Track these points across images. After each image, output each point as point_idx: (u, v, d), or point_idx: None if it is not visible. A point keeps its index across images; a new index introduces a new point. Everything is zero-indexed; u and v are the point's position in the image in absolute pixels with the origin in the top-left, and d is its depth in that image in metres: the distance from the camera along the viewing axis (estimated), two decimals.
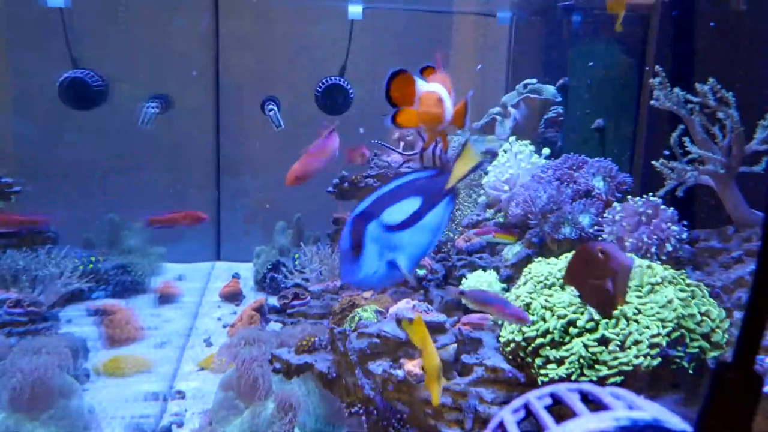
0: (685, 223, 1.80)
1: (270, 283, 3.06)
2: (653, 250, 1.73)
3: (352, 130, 3.44)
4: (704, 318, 1.40)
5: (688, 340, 1.37)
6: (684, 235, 1.77)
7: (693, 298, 1.43)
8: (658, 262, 1.65)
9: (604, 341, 1.37)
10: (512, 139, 2.44)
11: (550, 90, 2.80)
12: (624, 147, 2.47)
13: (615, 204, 1.91)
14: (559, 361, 1.37)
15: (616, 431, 0.47)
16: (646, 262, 1.55)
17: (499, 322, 1.61)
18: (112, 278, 2.94)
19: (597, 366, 1.34)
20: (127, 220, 3.38)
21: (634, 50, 2.45)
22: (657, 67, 1.82)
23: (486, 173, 2.45)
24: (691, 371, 1.36)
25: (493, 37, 3.59)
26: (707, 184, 1.83)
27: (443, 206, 1.08)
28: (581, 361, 1.35)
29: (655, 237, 1.74)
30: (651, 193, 1.86)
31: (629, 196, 1.89)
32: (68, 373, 1.95)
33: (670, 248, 1.73)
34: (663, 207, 1.80)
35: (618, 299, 1.19)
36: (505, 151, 2.38)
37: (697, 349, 1.37)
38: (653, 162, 1.86)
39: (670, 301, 1.39)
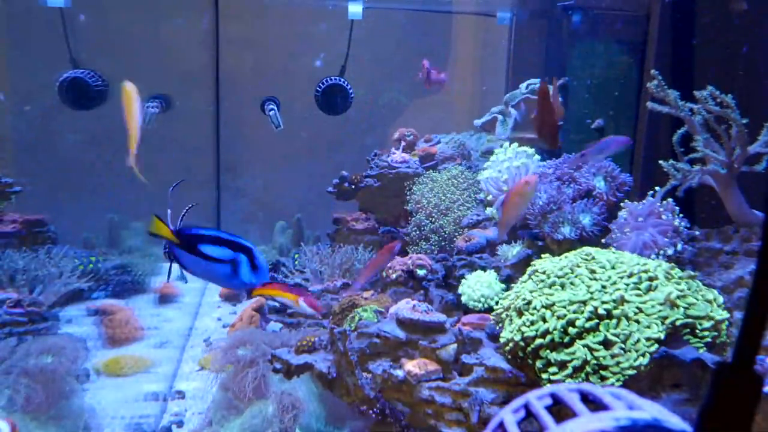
0: (688, 225, 1.81)
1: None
2: (663, 249, 1.74)
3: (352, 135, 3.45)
4: (703, 301, 1.43)
5: (698, 327, 1.39)
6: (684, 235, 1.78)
7: (689, 289, 1.45)
8: (664, 260, 1.66)
9: (605, 343, 1.37)
10: (511, 145, 2.43)
11: None
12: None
13: (627, 203, 1.92)
14: (561, 365, 1.37)
15: (616, 431, 0.47)
16: (642, 260, 1.55)
17: (498, 327, 1.61)
18: (112, 278, 2.94)
19: (602, 372, 1.34)
20: (127, 220, 3.38)
21: (634, 50, 2.45)
22: (653, 71, 1.82)
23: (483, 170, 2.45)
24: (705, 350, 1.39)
25: (493, 37, 3.59)
26: (708, 183, 1.84)
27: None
28: (587, 368, 1.34)
29: (667, 238, 1.75)
30: (652, 193, 1.86)
31: (650, 193, 1.89)
32: (69, 374, 1.95)
33: (680, 248, 1.74)
34: (677, 208, 1.82)
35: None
36: (505, 152, 2.38)
37: (707, 333, 1.39)
38: (661, 162, 1.86)
39: (669, 296, 1.41)
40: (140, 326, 2.57)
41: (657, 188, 1.87)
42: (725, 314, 1.44)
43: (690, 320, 1.39)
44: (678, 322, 1.38)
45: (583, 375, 1.34)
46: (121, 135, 3.34)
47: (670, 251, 1.74)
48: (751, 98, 1.84)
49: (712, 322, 1.41)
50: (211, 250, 1.54)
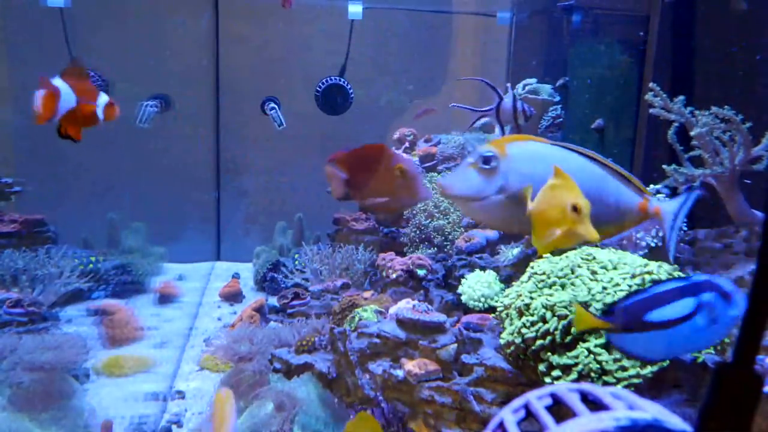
0: (692, 236, 1.81)
1: (270, 283, 3.05)
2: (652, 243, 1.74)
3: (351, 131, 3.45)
4: None
5: None
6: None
7: None
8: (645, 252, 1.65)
9: (607, 346, 1.36)
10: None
11: (547, 90, 2.80)
12: (624, 147, 2.47)
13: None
14: (564, 369, 1.37)
15: (617, 431, 0.47)
16: (644, 261, 1.55)
17: (499, 327, 1.61)
18: (112, 278, 2.94)
19: (605, 377, 1.33)
20: (127, 220, 3.38)
21: (634, 50, 2.45)
22: (651, 83, 1.82)
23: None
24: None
25: (493, 37, 3.60)
26: (709, 183, 1.84)
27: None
28: (592, 375, 1.34)
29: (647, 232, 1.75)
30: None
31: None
32: (69, 373, 1.95)
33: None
34: None
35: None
36: None
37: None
38: (665, 166, 1.86)
39: None
40: (140, 326, 2.57)
41: (657, 186, 1.87)
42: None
43: None
44: None
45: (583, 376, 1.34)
46: (120, 135, 3.34)
47: (651, 244, 1.74)
48: (751, 98, 1.84)
49: None
50: (661, 314, 1.06)
